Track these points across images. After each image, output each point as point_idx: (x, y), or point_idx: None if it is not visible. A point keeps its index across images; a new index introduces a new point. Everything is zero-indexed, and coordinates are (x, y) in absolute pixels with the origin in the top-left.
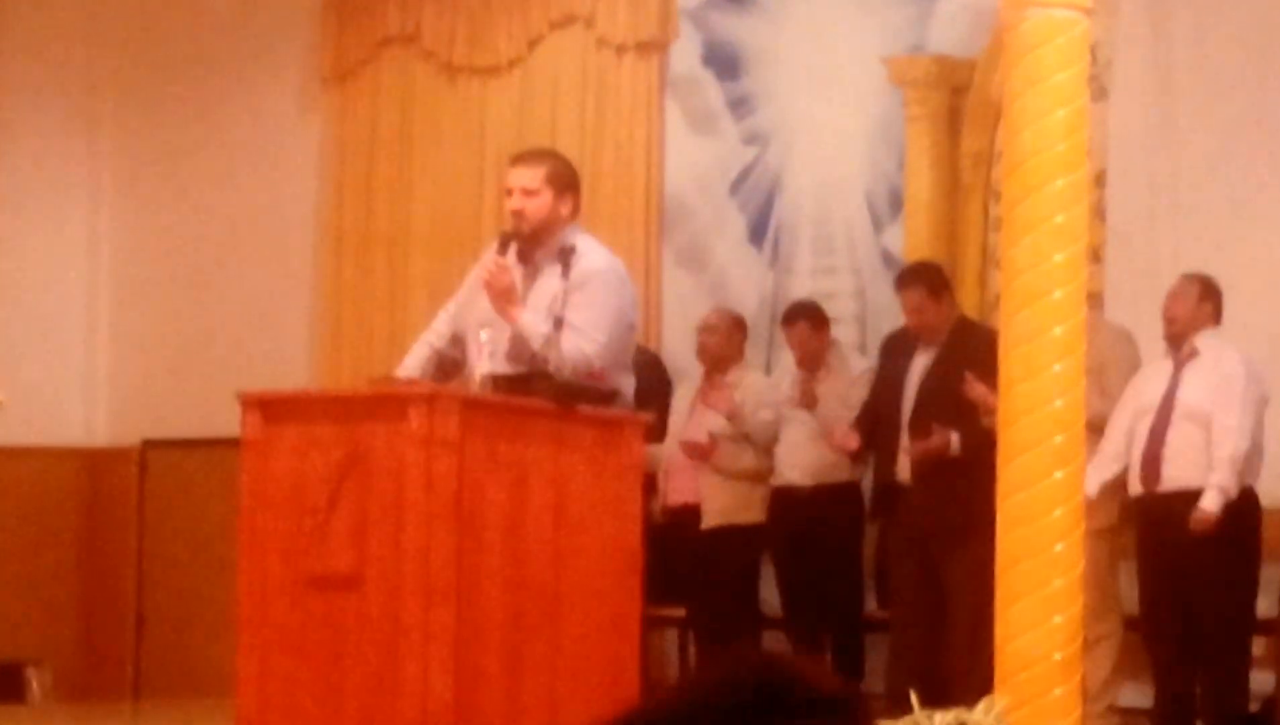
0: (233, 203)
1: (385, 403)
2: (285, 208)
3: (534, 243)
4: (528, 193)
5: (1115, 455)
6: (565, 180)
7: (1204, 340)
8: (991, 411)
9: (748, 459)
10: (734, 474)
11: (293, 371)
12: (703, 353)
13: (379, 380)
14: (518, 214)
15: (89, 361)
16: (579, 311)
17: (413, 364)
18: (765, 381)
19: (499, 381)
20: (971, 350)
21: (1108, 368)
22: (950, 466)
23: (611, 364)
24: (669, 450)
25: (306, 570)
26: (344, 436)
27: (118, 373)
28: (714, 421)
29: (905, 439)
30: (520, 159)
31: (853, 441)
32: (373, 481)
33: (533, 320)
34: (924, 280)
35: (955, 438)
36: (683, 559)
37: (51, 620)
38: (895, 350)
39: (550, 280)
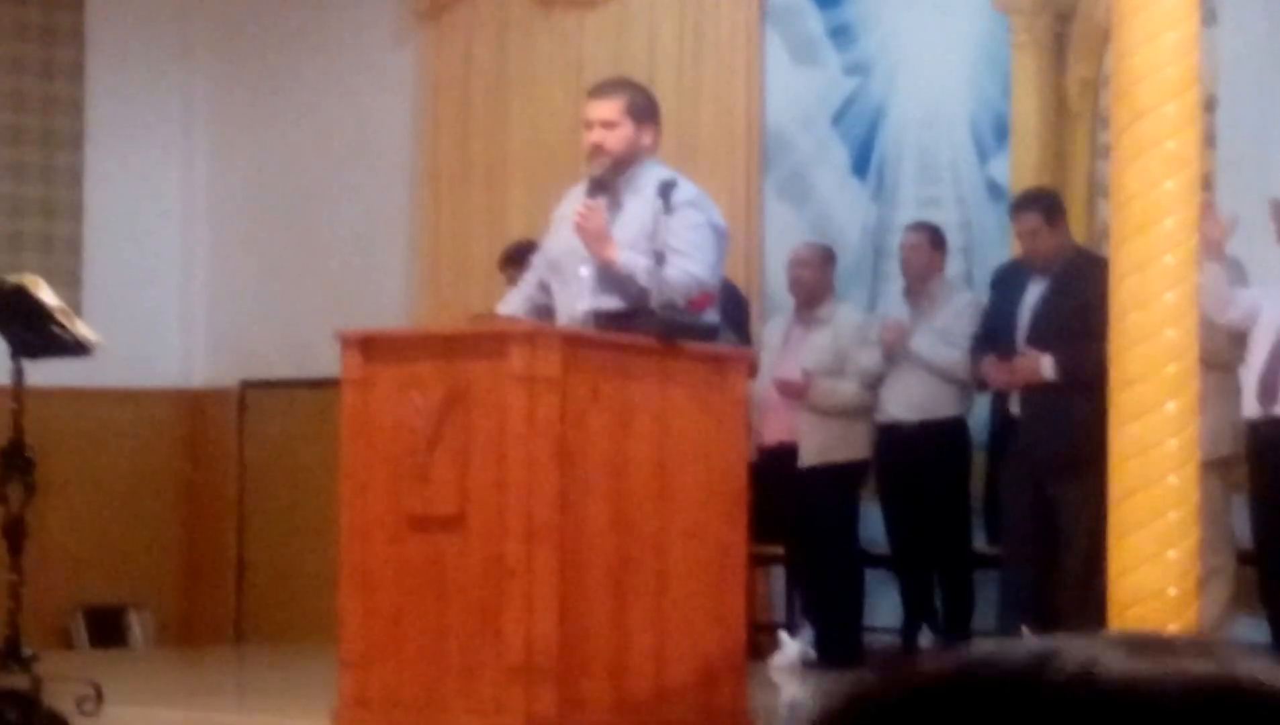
0: (328, 139)
1: (486, 340)
2: (381, 143)
3: (615, 175)
4: (607, 125)
5: None
6: (644, 110)
7: None
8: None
9: (844, 395)
10: (830, 411)
11: (390, 310)
12: (797, 286)
13: (480, 318)
14: (597, 147)
15: (186, 302)
16: (678, 236)
17: (515, 303)
18: (859, 317)
19: (601, 317)
20: (1086, 280)
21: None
22: (1062, 398)
23: (714, 286)
24: (762, 387)
25: (408, 510)
26: (445, 375)
27: (215, 313)
28: (807, 358)
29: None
30: (597, 91)
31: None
32: (474, 420)
33: (631, 256)
34: (1040, 205)
35: (1047, 361)
36: (780, 498)
37: (152, 564)
38: (1008, 281)
39: (636, 212)
